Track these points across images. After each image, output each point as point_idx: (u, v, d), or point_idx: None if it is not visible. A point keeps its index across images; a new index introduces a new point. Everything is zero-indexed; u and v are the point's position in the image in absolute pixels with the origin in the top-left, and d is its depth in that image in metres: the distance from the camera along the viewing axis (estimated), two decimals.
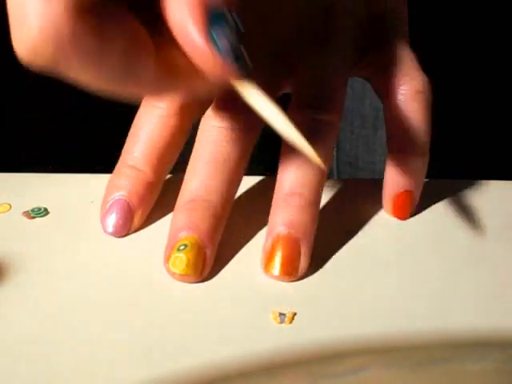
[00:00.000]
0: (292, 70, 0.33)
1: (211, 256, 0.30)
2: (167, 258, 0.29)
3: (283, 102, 0.33)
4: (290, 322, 0.27)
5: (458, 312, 0.28)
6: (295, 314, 0.27)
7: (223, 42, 0.23)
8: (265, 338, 0.26)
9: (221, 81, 0.24)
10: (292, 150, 0.31)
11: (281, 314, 0.27)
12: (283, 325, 0.27)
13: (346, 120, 0.54)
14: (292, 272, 0.29)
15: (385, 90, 0.33)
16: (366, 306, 0.28)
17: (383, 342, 0.26)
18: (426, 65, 0.33)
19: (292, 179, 0.30)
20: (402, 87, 0.32)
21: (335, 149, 0.55)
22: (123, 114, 0.34)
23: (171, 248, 0.29)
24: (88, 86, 0.22)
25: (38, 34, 0.20)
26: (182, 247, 0.29)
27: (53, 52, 0.20)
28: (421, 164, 0.33)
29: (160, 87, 0.24)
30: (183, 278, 0.29)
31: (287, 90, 0.34)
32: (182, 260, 0.29)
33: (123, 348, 0.26)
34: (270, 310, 0.27)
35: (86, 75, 0.22)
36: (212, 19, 0.22)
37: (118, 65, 0.22)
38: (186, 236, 0.29)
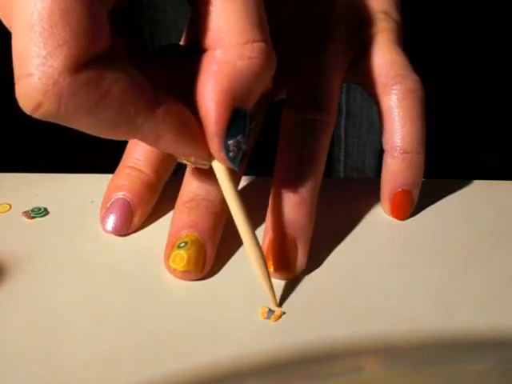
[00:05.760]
0: (287, 75, 0.33)
1: (211, 253, 0.30)
2: (167, 256, 0.30)
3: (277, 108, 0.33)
4: (276, 320, 0.27)
5: (458, 312, 0.28)
6: (284, 313, 0.27)
7: (233, 151, 0.26)
8: (259, 338, 0.26)
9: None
10: (288, 145, 0.31)
11: (270, 311, 0.27)
12: (280, 324, 0.27)
13: (353, 125, 0.54)
14: (288, 269, 0.29)
15: (377, 91, 0.33)
16: (365, 306, 0.28)
17: (382, 342, 0.26)
18: (421, 65, 0.34)
19: (287, 178, 0.30)
20: (393, 87, 0.33)
21: (342, 153, 0.55)
22: None
23: (171, 246, 0.30)
24: (88, 132, 0.23)
25: (40, 90, 0.21)
26: (183, 244, 0.29)
27: (53, 106, 0.21)
28: (417, 163, 0.33)
29: (160, 139, 0.25)
30: (184, 274, 0.29)
31: (282, 96, 0.34)
32: (182, 257, 0.29)
33: (122, 347, 0.26)
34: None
35: (85, 124, 0.23)
36: (233, 115, 0.25)
37: (114, 115, 0.23)
38: (186, 234, 0.30)
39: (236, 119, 0.25)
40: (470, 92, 0.53)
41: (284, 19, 0.34)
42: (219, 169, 0.27)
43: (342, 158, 0.56)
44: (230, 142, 0.25)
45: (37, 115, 0.22)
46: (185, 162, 0.27)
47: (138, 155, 0.33)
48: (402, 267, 0.30)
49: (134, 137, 0.24)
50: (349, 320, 0.27)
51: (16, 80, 0.21)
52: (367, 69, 0.33)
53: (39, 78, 0.21)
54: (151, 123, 0.24)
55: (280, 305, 0.28)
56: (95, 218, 0.33)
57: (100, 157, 0.38)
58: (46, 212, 0.34)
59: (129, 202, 0.32)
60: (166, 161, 0.33)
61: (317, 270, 0.30)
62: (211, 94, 0.24)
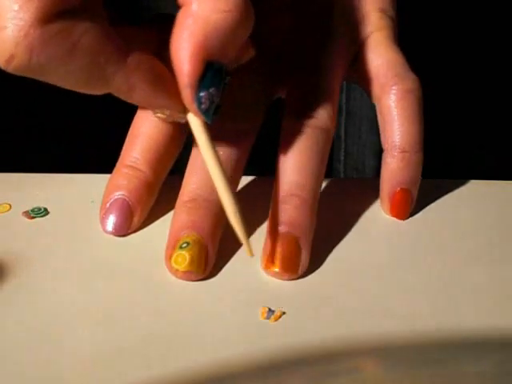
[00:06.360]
0: (287, 74, 0.33)
1: (213, 254, 0.30)
2: (169, 256, 0.29)
3: (276, 108, 0.33)
4: (276, 320, 0.27)
5: (458, 312, 0.28)
6: (284, 313, 0.27)
7: (205, 103, 0.26)
8: (259, 338, 0.26)
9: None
10: (289, 151, 0.31)
11: (270, 311, 0.27)
12: (280, 324, 0.27)
13: (353, 125, 0.54)
14: (293, 269, 0.29)
15: (376, 91, 0.33)
16: (365, 306, 0.28)
17: (382, 342, 0.26)
18: (417, 64, 0.34)
19: (290, 180, 0.31)
20: (393, 87, 0.33)
21: (342, 153, 0.55)
22: (123, 114, 0.34)
23: (173, 246, 0.30)
24: (61, 85, 0.24)
25: (12, 42, 0.22)
26: (185, 245, 0.29)
27: (25, 57, 0.22)
28: (416, 162, 0.33)
29: (133, 90, 0.25)
30: (186, 275, 0.29)
31: (281, 95, 0.34)
32: (184, 257, 0.29)
33: (122, 347, 0.26)
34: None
35: (57, 76, 0.24)
36: (207, 67, 0.25)
37: (85, 64, 0.23)
38: (187, 234, 0.30)
39: (210, 72, 0.25)
40: (467, 91, 0.53)
41: (283, 14, 0.34)
42: (194, 122, 0.27)
43: (342, 157, 0.56)
44: (202, 93, 0.26)
45: (10, 68, 0.22)
46: (160, 115, 0.28)
47: (136, 154, 0.33)
48: (402, 267, 0.30)
49: (108, 89, 0.25)
50: (349, 320, 0.27)
51: None
52: (365, 68, 0.34)
53: (12, 31, 0.22)
54: (122, 73, 0.24)
55: (280, 305, 0.28)
56: (95, 217, 0.33)
57: (100, 157, 0.38)
58: (45, 212, 0.34)
59: (128, 202, 0.32)
60: (164, 159, 0.33)
61: (317, 270, 0.30)
62: (185, 45, 0.25)
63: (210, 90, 0.26)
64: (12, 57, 0.22)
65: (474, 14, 0.52)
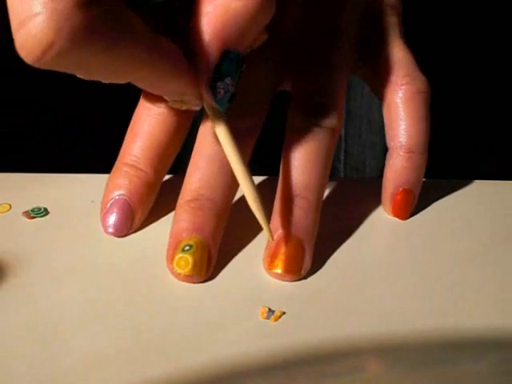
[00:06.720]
0: (295, 68, 0.33)
1: (214, 256, 0.30)
2: (171, 258, 0.29)
3: (280, 101, 0.33)
4: (276, 320, 0.27)
5: (458, 312, 0.28)
6: (284, 313, 0.27)
7: (220, 93, 0.26)
8: (259, 338, 0.26)
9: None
10: (295, 151, 0.31)
11: (270, 311, 0.27)
12: (280, 324, 0.27)
13: (353, 125, 0.54)
14: (296, 271, 0.29)
15: (385, 90, 0.33)
16: (365, 306, 0.28)
17: (382, 342, 0.26)
18: (421, 63, 0.34)
19: (295, 181, 0.30)
20: (402, 87, 0.33)
21: (342, 153, 0.55)
22: (122, 113, 0.34)
23: (175, 248, 0.29)
24: (90, 75, 0.23)
25: (52, 28, 0.20)
26: (187, 248, 0.29)
27: (67, 44, 0.20)
28: (420, 163, 0.33)
29: (158, 76, 0.25)
30: (188, 278, 0.29)
31: (286, 87, 0.34)
32: (187, 261, 0.29)
33: (122, 347, 0.26)
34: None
35: (92, 65, 0.22)
36: (224, 56, 0.25)
37: (125, 52, 0.22)
38: (190, 236, 0.29)
39: (226, 61, 0.25)
40: (469, 92, 0.53)
41: (295, 6, 0.34)
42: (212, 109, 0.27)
43: (342, 157, 0.56)
44: (217, 83, 0.26)
45: (47, 58, 0.21)
46: (177, 105, 0.28)
47: (137, 152, 0.32)
48: (403, 267, 0.30)
49: (136, 77, 0.24)
50: (349, 320, 0.27)
51: (19, 26, 0.20)
52: (374, 65, 0.33)
53: (50, 15, 0.20)
54: (155, 57, 0.24)
55: (280, 305, 0.28)
56: (95, 217, 0.33)
57: (100, 157, 0.38)
58: (45, 212, 0.34)
59: (129, 203, 0.32)
60: (165, 157, 0.33)
61: (316, 271, 0.30)
62: (203, 34, 0.25)
63: (226, 80, 0.26)
64: (52, 45, 0.20)
65: (476, 19, 0.52)
